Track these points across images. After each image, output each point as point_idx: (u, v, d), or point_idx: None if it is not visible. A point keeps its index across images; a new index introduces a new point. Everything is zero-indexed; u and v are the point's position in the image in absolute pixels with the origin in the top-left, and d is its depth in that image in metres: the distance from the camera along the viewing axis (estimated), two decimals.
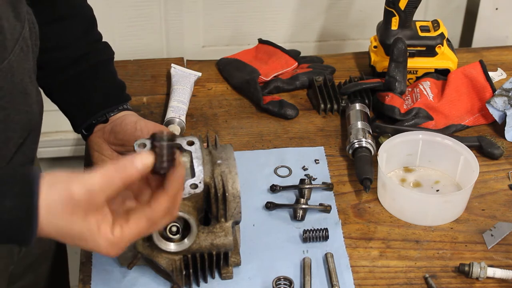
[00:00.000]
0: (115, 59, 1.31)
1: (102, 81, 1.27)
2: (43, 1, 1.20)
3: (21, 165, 1.12)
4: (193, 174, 1.08)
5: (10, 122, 1.03)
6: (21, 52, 1.03)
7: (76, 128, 1.28)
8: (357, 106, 1.44)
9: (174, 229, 1.08)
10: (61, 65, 1.25)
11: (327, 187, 1.32)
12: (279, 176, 1.36)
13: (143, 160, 0.90)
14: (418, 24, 1.55)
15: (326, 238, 1.22)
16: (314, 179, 1.34)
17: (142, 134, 1.20)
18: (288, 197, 1.31)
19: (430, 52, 1.54)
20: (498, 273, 1.17)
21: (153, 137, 0.92)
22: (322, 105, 1.50)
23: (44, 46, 1.20)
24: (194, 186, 1.07)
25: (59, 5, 1.24)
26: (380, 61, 1.56)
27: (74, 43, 1.25)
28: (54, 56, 1.24)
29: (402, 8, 1.50)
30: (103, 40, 1.30)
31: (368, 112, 1.45)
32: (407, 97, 1.50)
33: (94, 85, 1.26)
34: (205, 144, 1.17)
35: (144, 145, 1.12)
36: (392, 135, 1.36)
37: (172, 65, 1.57)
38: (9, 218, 0.86)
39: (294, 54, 1.63)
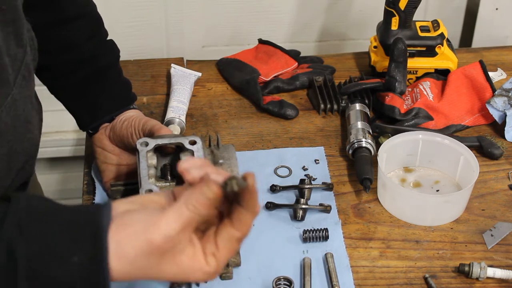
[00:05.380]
0: None
1: (109, 84, 1.28)
2: (50, 3, 1.20)
3: (21, 182, 1.11)
4: None
5: (14, 153, 1.03)
6: (23, 81, 1.02)
7: (82, 128, 1.29)
8: (357, 106, 1.44)
9: None
10: (69, 67, 1.25)
11: (327, 187, 1.32)
12: (279, 176, 1.36)
13: (211, 189, 0.82)
14: (418, 24, 1.55)
15: (326, 238, 1.22)
16: (314, 179, 1.34)
17: (133, 129, 1.20)
18: (288, 197, 1.31)
19: (430, 52, 1.54)
20: (498, 273, 1.17)
21: None
22: (322, 105, 1.50)
23: (51, 48, 1.20)
24: None
25: (66, 7, 1.23)
26: (380, 61, 1.56)
27: (81, 45, 1.25)
28: (61, 57, 1.24)
29: (402, 8, 1.50)
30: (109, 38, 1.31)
31: (368, 112, 1.45)
32: (407, 97, 1.50)
33: (102, 88, 1.27)
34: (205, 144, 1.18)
35: (146, 144, 1.12)
36: (392, 135, 1.36)
37: (172, 65, 1.57)
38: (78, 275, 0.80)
39: (294, 54, 1.63)
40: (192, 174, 0.84)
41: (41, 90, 1.24)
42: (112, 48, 1.30)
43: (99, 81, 1.26)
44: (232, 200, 0.85)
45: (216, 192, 0.82)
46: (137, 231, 0.81)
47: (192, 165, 0.85)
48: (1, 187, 1.04)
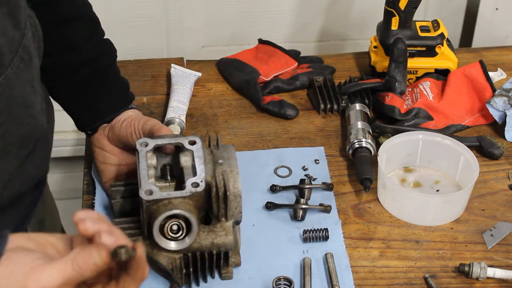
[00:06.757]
0: None
1: (109, 84, 1.28)
2: (47, 4, 1.20)
3: (34, 179, 1.11)
4: (194, 173, 1.09)
5: (9, 136, 1.02)
6: (21, 63, 1.01)
7: (81, 129, 1.29)
8: (357, 106, 1.44)
9: (175, 227, 1.08)
10: (69, 67, 1.25)
11: (327, 187, 1.32)
12: (279, 176, 1.36)
13: (100, 255, 0.84)
14: (418, 24, 1.55)
15: (326, 238, 1.22)
16: (314, 179, 1.34)
17: (133, 129, 1.20)
18: (288, 197, 1.31)
19: (430, 52, 1.54)
20: (498, 273, 1.17)
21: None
22: (322, 105, 1.50)
23: (48, 49, 1.19)
24: (196, 184, 1.07)
25: (64, 8, 1.23)
26: (380, 61, 1.56)
27: (79, 46, 1.25)
28: (62, 58, 1.24)
29: (402, 8, 1.50)
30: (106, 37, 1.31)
31: (368, 112, 1.45)
32: (407, 97, 1.50)
33: (102, 88, 1.27)
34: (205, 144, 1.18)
35: (146, 144, 1.12)
36: (392, 135, 1.36)
37: (172, 65, 1.57)
38: None
39: (294, 54, 1.63)
40: (86, 225, 0.85)
41: None
42: (110, 48, 1.30)
43: (99, 81, 1.26)
44: (120, 266, 0.86)
45: (105, 260, 0.83)
46: (19, 274, 0.82)
47: (87, 216, 0.86)
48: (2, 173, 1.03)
